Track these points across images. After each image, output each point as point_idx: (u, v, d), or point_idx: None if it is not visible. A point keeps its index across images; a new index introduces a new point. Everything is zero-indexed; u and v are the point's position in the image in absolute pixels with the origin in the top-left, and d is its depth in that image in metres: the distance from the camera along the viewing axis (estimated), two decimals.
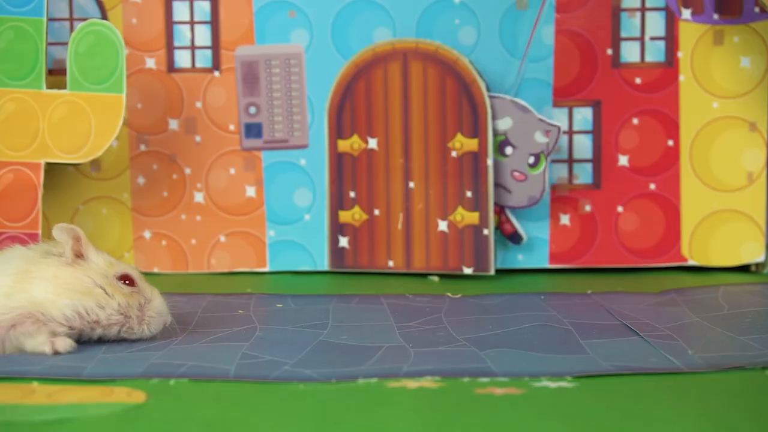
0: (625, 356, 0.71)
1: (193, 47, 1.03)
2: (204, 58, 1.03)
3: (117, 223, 1.04)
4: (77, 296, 0.73)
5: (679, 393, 0.63)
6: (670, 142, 1.02)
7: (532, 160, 0.97)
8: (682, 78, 1.01)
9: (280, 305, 0.88)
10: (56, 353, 0.72)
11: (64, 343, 0.72)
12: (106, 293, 0.74)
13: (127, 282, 0.75)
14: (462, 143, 1.00)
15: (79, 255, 0.75)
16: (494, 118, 0.98)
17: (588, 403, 0.61)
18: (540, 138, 0.97)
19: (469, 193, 1.01)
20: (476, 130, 1.00)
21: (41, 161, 0.97)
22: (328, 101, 1.02)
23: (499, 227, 1.00)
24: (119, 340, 0.75)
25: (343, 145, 1.02)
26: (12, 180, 0.98)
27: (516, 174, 0.97)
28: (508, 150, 0.98)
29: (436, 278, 1.00)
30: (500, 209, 1.00)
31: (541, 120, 0.97)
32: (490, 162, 1.00)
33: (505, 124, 0.98)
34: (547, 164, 0.97)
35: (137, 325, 0.75)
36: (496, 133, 0.98)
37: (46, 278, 0.73)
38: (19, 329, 0.72)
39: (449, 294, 0.94)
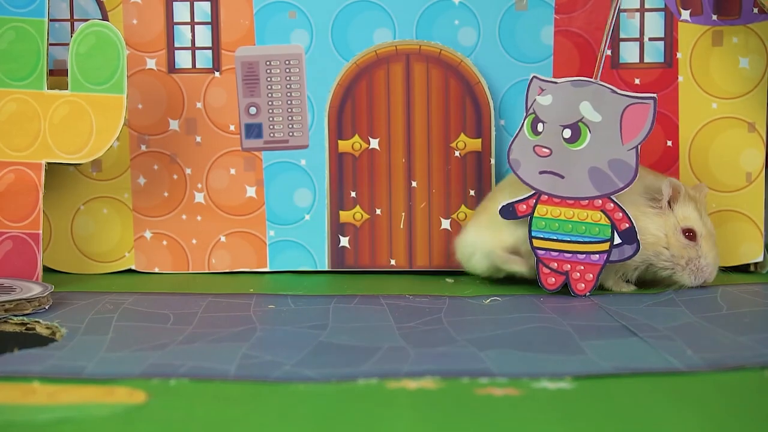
0: (624, 357, 0.71)
1: (193, 48, 1.03)
2: (204, 59, 1.03)
3: (118, 223, 1.05)
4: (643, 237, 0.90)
5: (678, 393, 0.63)
6: (669, 143, 1.02)
7: (567, 133, 0.91)
8: (681, 78, 1.01)
9: (272, 306, 0.88)
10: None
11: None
12: (666, 241, 0.90)
13: (688, 235, 0.90)
14: (465, 143, 1.01)
15: (670, 205, 0.92)
16: (543, 101, 0.91)
17: (587, 404, 0.61)
18: (586, 109, 0.90)
19: (472, 192, 1.01)
20: (480, 130, 1.00)
21: (42, 161, 0.97)
22: (328, 102, 1.02)
23: (613, 223, 0.90)
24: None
25: (344, 145, 1.02)
26: (13, 180, 0.98)
27: (538, 148, 0.91)
28: (540, 127, 0.91)
29: (450, 279, 1.01)
30: (603, 203, 0.91)
31: (623, 94, 0.90)
32: (493, 161, 1.00)
33: (545, 101, 0.91)
34: (591, 136, 0.90)
35: (684, 273, 0.91)
36: (527, 114, 0.92)
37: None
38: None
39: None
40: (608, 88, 0.90)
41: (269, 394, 0.64)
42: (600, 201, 0.90)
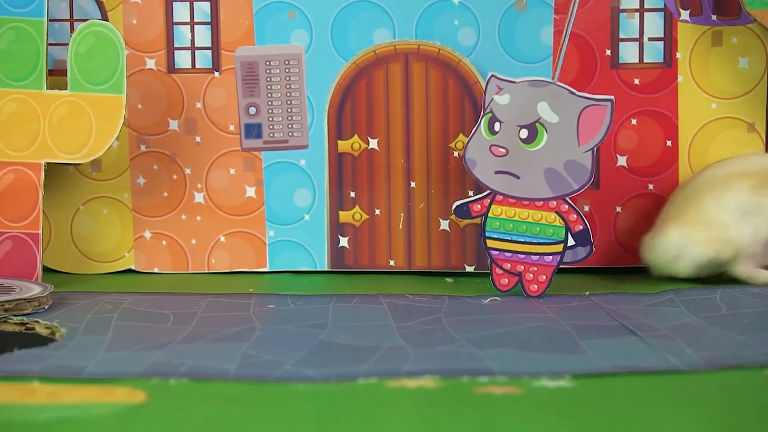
0: (623, 356, 0.71)
1: (193, 48, 1.03)
2: (204, 59, 1.03)
3: (117, 223, 1.05)
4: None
5: (678, 392, 0.63)
6: (669, 143, 1.02)
7: (524, 133, 0.90)
8: (680, 79, 1.01)
9: (272, 306, 0.88)
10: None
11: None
12: None
13: None
14: (464, 143, 1.01)
15: None
16: (500, 100, 0.90)
17: (587, 403, 0.61)
18: (543, 109, 0.90)
19: (471, 193, 1.01)
20: None
21: (42, 161, 0.97)
22: (327, 102, 1.02)
23: (567, 224, 0.90)
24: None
25: (343, 145, 1.02)
26: (13, 180, 0.98)
27: (494, 148, 0.90)
28: (497, 126, 0.90)
29: (450, 279, 1.01)
30: (558, 203, 0.90)
31: (582, 96, 0.89)
32: None
33: (502, 101, 0.90)
34: (544, 137, 0.90)
35: None
36: (485, 113, 0.91)
37: None
38: None
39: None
40: (566, 89, 0.90)
41: (269, 394, 0.64)
42: (555, 202, 0.90)
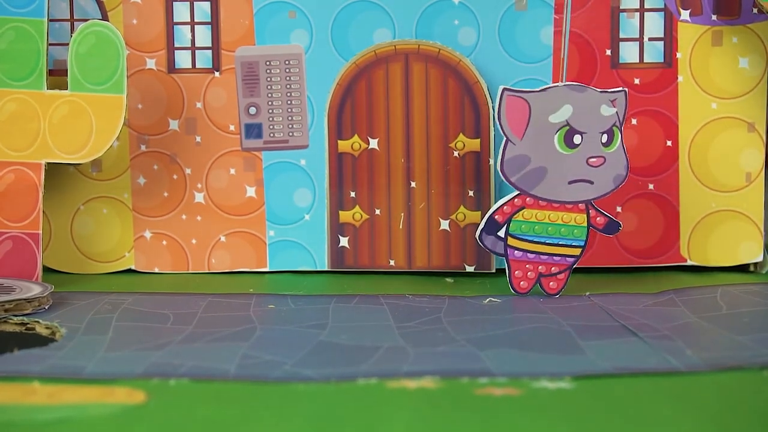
0: (623, 357, 0.71)
1: (193, 48, 1.03)
2: (204, 59, 1.03)
3: (117, 223, 1.05)
4: None
5: (678, 393, 0.63)
6: (669, 143, 1.02)
7: (605, 138, 0.90)
8: (680, 78, 1.01)
9: (272, 306, 0.88)
10: None
11: None
12: None
13: None
14: (464, 143, 1.01)
15: None
16: (550, 112, 0.90)
17: (587, 404, 0.61)
18: (607, 111, 0.89)
19: (471, 193, 1.01)
20: (479, 130, 1.00)
21: (42, 161, 0.97)
22: (328, 102, 1.02)
23: (591, 224, 0.92)
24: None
25: (344, 145, 1.02)
26: (13, 180, 0.98)
27: (592, 160, 0.90)
28: (577, 138, 0.90)
29: (450, 279, 1.01)
30: (586, 205, 0.91)
31: (603, 92, 0.90)
32: (492, 162, 1.00)
33: (564, 113, 0.90)
34: (621, 135, 0.90)
35: None
36: (558, 128, 0.90)
37: None
38: None
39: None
40: (584, 86, 0.90)
41: (269, 394, 0.64)
42: (583, 204, 0.91)
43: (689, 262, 1.03)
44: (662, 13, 1.01)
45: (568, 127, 0.89)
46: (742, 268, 1.03)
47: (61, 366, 0.69)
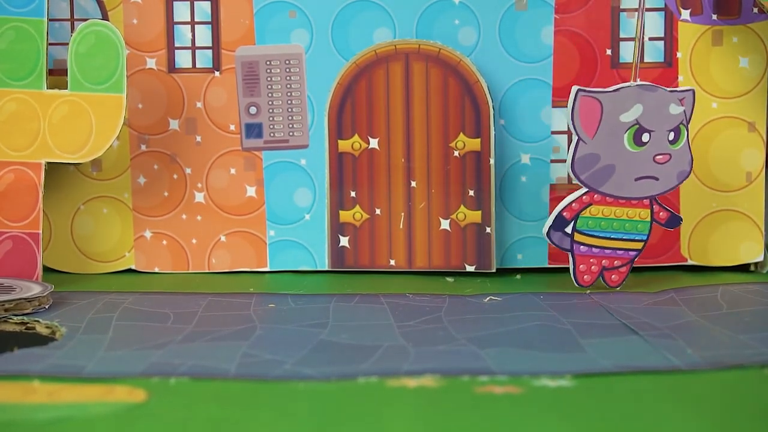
0: (624, 355, 0.71)
1: (193, 47, 1.03)
2: (204, 59, 1.03)
3: (118, 223, 1.05)
4: None
5: (678, 392, 0.63)
6: None
7: (671, 136, 0.91)
8: (681, 78, 1.01)
9: (273, 305, 0.88)
10: None
11: None
12: None
13: None
14: (464, 143, 1.01)
15: None
16: (621, 111, 0.90)
17: (587, 402, 0.61)
18: (675, 109, 0.91)
19: (471, 192, 1.01)
20: (479, 129, 1.00)
21: (42, 161, 0.97)
22: (328, 101, 1.02)
23: (654, 218, 0.93)
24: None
25: (344, 145, 1.02)
26: (13, 180, 0.98)
27: (659, 157, 0.91)
28: (645, 137, 0.91)
29: (451, 279, 1.01)
30: (650, 200, 0.92)
31: (672, 91, 0.91)
32: (492, 161, 1.00)
33: (635, 112, 0.91)
34: (687, 132, 0.92)
35: None
36: (628, 126, 0.91)
37: None
38: None
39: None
40: (655, 86, 0.91)
41: (269, 393, 0.64)
42: (647, 200, 0.93)
43: (690, 262, 1.03)
44: (662, 12, 1.01)
45: (637, 126, 0.91)
46: (743, 268, 1.03)
47: (61, 365, 0.69)
